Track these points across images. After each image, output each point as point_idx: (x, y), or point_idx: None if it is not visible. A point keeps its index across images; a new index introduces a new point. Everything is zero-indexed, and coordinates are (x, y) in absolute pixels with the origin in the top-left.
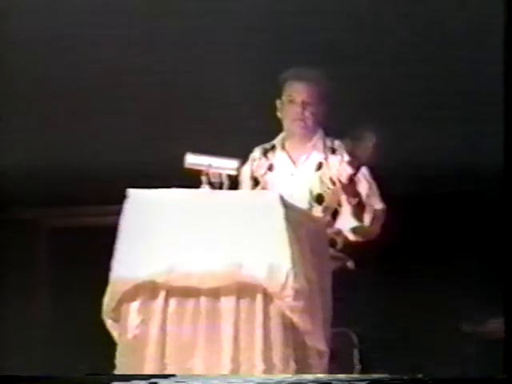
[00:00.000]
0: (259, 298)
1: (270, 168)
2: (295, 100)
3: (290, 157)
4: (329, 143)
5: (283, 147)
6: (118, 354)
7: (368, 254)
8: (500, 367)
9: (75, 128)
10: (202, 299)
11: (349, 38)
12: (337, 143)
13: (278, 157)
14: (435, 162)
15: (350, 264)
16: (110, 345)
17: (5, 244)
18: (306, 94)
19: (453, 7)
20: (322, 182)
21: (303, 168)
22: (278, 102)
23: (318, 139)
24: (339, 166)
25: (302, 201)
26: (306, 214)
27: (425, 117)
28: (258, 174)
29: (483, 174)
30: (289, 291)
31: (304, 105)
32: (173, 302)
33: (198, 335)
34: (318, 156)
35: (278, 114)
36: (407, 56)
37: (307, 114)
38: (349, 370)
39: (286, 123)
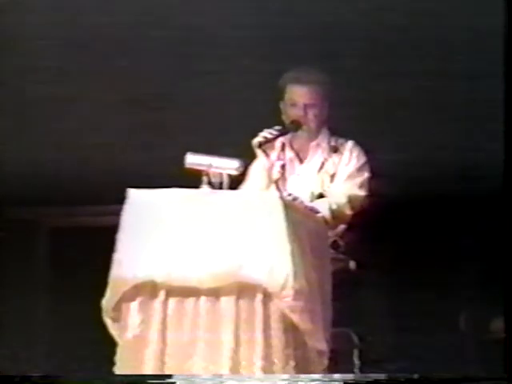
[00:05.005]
0: (259, 297)
1: (283, 167)
2: (297, 103)
3: (297, 156)
4: (333, 142)
5: (291, 147)
6: (117, 354)
7: (369, 255)
8: (500, 367)
9: (75, 128)
10: (202, 299)
11: (349, 39)
12: (340, 142)
13: (288, 156)
14: (435, 161)
15: (351, 265)
16: (109, 345)
17: (5, 244)
18: (307, 96)
19: (453, 7)
20: (322, 181)
21: (307, 168)
22: (281, 104)
23: (322, 139)
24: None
25: (305, 201)
26: (306, 214)
27: (425, 116)
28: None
29: (483, 174)
30: (289, 291)
31: (306, 107)
32: (172, 301)
33: (197, 335)
34: (321, 156)
35: (283, 117)
36: (408, 55)
37: (310, 116)
38: (349, 370)
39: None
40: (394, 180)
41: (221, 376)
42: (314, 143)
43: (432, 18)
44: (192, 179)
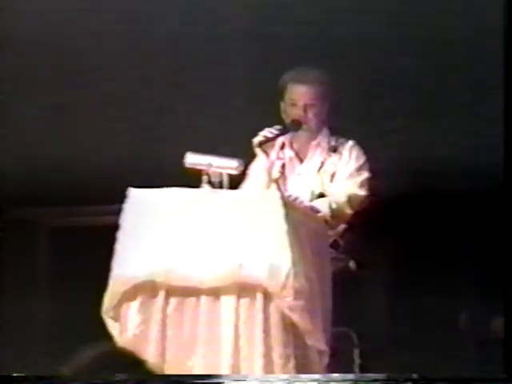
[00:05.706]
0: (259, 297)
1: (283, 167)
2: (297, 103)
3: (297, 156)
4: (333, 142)
5: (291, 146)
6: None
7: (369, 255)
8: (500, 367)
9: (75, 128)
10: (202, 299)
11: (348, 37)
12: (340, 142)
13: (288, 156)
14: (435, 161)
15: (351, 264)
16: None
17: (5, 244)
18: (307, 96)
19: (453, 6)
20: (322, 180)
21: (307, 167)
22: (281, 104)
23: (322, 138)
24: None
25: (304, 200)
26: (306, 214)
27: (425, 116)
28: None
29: (483, 174)
30: (289, 291)
31: (306, 107)
32: (173, 301)
33: (197, 335)
34: (320, 155)
35: (283, 116)
36: (408, 54)
37: (310, 115)
38: (349, 370)
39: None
40: (394, 180)
41: (221, 376)
42: (314, 143)
43: (432, 16)
44: (192, 179)
